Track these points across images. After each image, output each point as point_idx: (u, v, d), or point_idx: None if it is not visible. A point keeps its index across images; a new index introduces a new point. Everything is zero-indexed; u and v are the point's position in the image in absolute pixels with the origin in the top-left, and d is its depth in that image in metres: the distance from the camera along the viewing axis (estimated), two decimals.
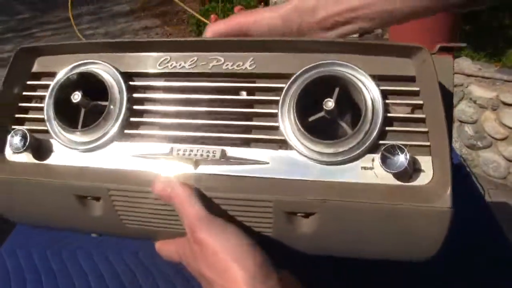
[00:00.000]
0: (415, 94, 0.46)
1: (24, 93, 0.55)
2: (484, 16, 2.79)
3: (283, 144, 0.47)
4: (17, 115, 0.54)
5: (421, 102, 0.46)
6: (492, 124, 2.33)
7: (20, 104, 0.55)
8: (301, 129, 0.45)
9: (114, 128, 0.51)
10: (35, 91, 0.55)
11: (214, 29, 0.57)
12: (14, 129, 0.52)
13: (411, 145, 0.44)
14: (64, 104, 0.52)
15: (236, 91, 0.50)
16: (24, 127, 0.52)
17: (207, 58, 0.51)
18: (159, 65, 0.52)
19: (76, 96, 0.50)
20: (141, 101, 0.52)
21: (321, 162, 0.46)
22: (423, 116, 0.45)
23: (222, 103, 0.50)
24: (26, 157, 0.53)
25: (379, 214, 0.43)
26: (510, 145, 2.29)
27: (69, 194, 0.50)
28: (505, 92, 2.25)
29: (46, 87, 0.54)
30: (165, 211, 0.48)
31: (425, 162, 0.44)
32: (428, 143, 0.45)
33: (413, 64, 0.47)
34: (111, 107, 0.51)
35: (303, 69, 0.48)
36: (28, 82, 0.55)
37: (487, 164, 2.38)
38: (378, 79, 0.47)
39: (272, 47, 0.50)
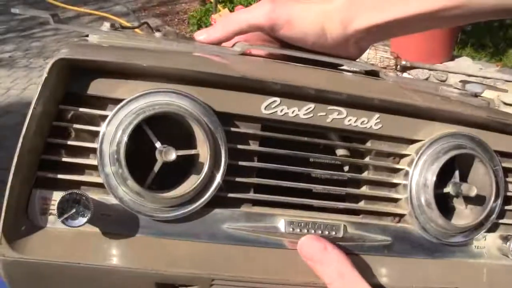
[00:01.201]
0: None
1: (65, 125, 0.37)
2: None
3: (397, 217, 0.44)
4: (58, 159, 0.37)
5: None
6: None
7: (54, 141, 0.37)
8: (436, 209, 0.42)
9: (209, 190, 0.38)
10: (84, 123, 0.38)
11: (231, 22, 0.48)
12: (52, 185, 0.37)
13: None
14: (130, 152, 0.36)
15: (361, 153, 0.44)
16: (78, 190, 0.36)
17: (326, 108, 0.42)
18: (265, 108, 0.41)
19: (172, 155, 0.35)
20: (243, 154, 0.41)
21: (442, 241, 0.43)
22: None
23: (346, 166, 0.45)
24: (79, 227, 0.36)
25: None
26: None
27: (150, 283, 0.38)
28: (506, 92, 2.26)
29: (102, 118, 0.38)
30: None
31: None
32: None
33: None
34: (204, 160, 0.38)
35: (433, 137, 0.44)
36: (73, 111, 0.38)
37: None
38: (500, 155, 0.45)
39: (402, 110, 0.43)
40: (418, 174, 0.43)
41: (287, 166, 0.41)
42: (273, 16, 0.47)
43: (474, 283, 0.44)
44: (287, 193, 0.41)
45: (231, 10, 3.98)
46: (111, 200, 0.37)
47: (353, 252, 0.41)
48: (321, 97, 0.41)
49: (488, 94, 2.32)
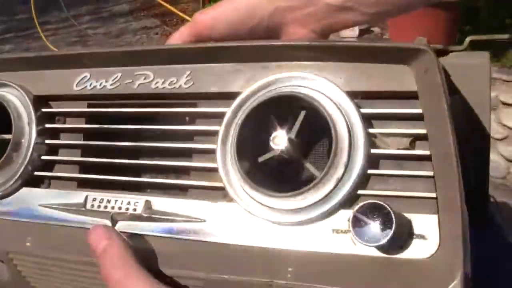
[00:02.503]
0: (416, 118, 0.32)
1: None
2: (484, 16, 2.79)
3: (224, 193, 0.35)
4: None
5: (424, 131, 0.31)
6: (492, 124, 2.32)
7: None
8: (242, 173, 0.33)
9: (20, 169, 0.40)
10: None
11: (176, 38, 0.44)
12: None
13: (407, 197, 0.31)
14: None
15: (172, 117, 0.40)
16: None
17: (133, 74, 0.40)
18: (76, 85, 0.41)
19: None
20: (56, 134, 0.42)
21: (274, 222, 0.32)
22: (427, 152, 0.31)
23: (152, 135, 0.41)
24: None
25: None
26: (509, 145, 2.28)
27: None
28: (505, 92, 2.25)
29: None
30: (85, 279, 0.38)
31: (429, 223, 0.30)
32: (433, 195, 0.30)
33: (410, 74, 0.32)
34: (22, 141, 0.40)
35: (253, 87, 0.36)
36: None
37: None
38: (362, 97, 0.33)
39: (214, 56, 0.37)
40: (232, 134, 0.35)
41: (110, 143, 0.40)
42: (194, 26, 0.43)
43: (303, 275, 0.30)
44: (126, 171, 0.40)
45: None
46: None
47: (156, 234, 0.36)
48: (129, 62, 0.39)
49: None
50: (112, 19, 5.02)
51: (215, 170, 0.36)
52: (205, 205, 0.35)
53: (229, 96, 0.37)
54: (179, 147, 0.38)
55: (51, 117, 0.42)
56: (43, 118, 0.42)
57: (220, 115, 0.36)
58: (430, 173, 0.30)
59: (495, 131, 2.33)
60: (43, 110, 0.42)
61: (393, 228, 0.28)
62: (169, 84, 0.38)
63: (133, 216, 0.36)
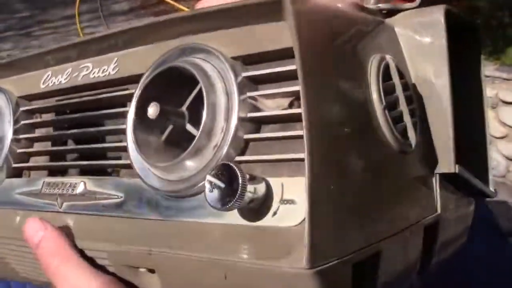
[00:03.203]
0: (295, 77, 0.27)
1: None
2: (484, 15, 2.79)
3: (132, 170, 0.37)
4: None
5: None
6: (492, 122, 2.33)
7: None
8: (137, 148, 0.34)
9: (2, 162, 0.45)
10: None
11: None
12: None
13: (278, 160, 0.29)
14: None
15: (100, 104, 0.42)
16: None
17: (79, 67, 0.43)
18: (43, 83, 0.45)
19: None
20: (31, 129, 0.47)
21: (167, 194, 0.34)
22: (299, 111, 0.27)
23: (88, 122, 0.43)
24: None
25: (218, 271, 0.28)
26: (509, 144, 2.29)
27: None
28: (504, 90, 2.26)
29: None
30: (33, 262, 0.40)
31: (299, 187, 0.27)
32: (302, 156, 0.26)
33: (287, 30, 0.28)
34: (4, 138, 0.46)
35: (153, 66, 0.36)
36: None
37: None
38: (243, 61, 0.32)
39: (131, 40, 0.39)
40: (134, 114, 0.35)
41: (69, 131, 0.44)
42: None
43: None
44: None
45: None
46: None
47: (89, 213, 0.39)
48: (74, 56, 0.43)
49: (487, 92, 2.32)
50: (112, 18, 5.01)
51: (125, 150, 0.37)
52: (123, 182, 0.38)
53: (139, 79, 0.37)
54: (100, 130, 0.42)
55: (30, 115, 0.47)
56: (23, 116, 0.46)
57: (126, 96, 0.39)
58: (300, 133, 0.26)
59: (495, 129, 2.33)
60: (21, 109, 0.46)
61: (239, 189, 0.26)
62: (102, 72, 0.41)
63: (72, 197, 0.40)
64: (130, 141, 0.36)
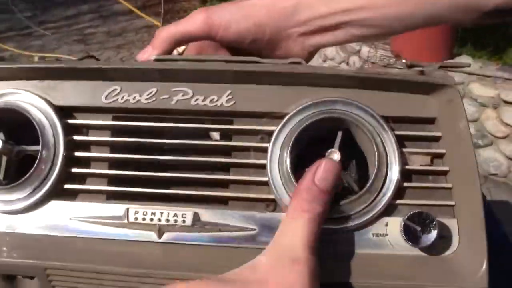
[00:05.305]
0: (433, 139, 0.39)
1: None
2: None
3: (271, 204, 0.38)
4: None
5: (443, 151, 0.38)
6: (493, 122, 2.32)
7: None
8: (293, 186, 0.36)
9: (48, 182, 0.39)
10: None
11: (163, 35, 0.46)
12: None
13: (431, 205, 0.37)
14: None
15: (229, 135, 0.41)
16: None
17: (170, 90, 0.40)
18: (105, 97, 0.41)
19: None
20: (85, 146, 0.41)
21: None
22: (445, 168, 0.38)
23: (192, 150, 0.41)
24: None
25: None
26: (511, 144, 2.28)
27: None
28: (506, 90, 2.25)
29: None
30: None
31: (450, 226, 0.37)
32: (452, 203, 0.37)
33: (435, 104, 0.39)
34: (44, 153, 0.39)
35: (298, 108, 0.39)
36: None
37: (488, 162, 2.37)
38: (392, 121, 0.39)
39: (256, 78, 0.40)
40: (279, 152, 0.38)
41: (139, 156, 0.40)
42: (209, 21, 0.45)
43: (359, 278, 0.36)
44: (150, 185, 0.40)
45: None
46: None
47: (208, 244, 0.38)
48: (165, 79, 0.40)
49: (487, 92, 2.31)
50: (113, 18, 5.02)
51: (262, 183, 0.39)
52: (253, 215, 0.38)
53: (272, 116, 0.40)
54: (225, 161, 0.40)
55: (77, 129, 0.41)
56: (69, 130, 0.41)
57: (264, 132, 0.40)
58: (449, 185, 0.38)
59: (497, 129, 2.33)
60: (69, 121, 0.41)
61: (437, 231, 0.35)
62: (210, 102, 0.40)
63: (182, 228, 0.38)
64: (279, 177, 0.38)
